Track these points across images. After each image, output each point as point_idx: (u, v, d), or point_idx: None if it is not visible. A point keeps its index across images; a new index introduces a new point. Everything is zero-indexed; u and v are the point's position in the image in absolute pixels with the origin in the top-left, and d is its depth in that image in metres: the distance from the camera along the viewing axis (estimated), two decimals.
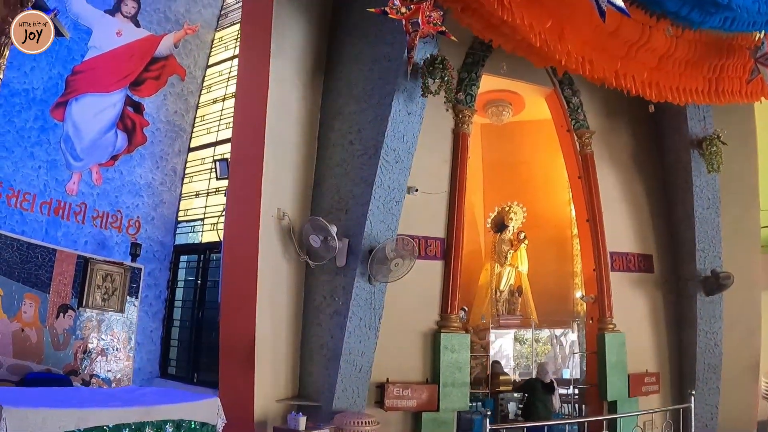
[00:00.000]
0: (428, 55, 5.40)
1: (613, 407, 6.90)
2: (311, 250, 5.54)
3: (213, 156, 6.48)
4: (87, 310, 5.27)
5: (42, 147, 5.96)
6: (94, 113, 6.26)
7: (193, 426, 3.50)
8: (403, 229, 6.17)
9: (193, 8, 6.93)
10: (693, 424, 6.08)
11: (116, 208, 6.36)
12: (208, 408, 3.76)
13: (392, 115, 5.58)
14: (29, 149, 5.86)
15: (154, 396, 3.68)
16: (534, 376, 6.76)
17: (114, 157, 6.43)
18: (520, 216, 7.88)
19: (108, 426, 2.91)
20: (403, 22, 4.79)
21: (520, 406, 6.70)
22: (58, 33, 5.03)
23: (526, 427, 5.72)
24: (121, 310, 5.52)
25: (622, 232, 7.49)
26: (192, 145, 6.98)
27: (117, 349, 5.51)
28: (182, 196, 6.98)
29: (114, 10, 6.57)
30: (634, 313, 7.35)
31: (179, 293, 6.60)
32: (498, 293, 7.64)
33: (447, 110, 5.65)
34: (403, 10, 4.76)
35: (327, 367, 5.48)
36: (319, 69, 6.20)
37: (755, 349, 7.49)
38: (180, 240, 6.79)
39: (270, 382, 5.33)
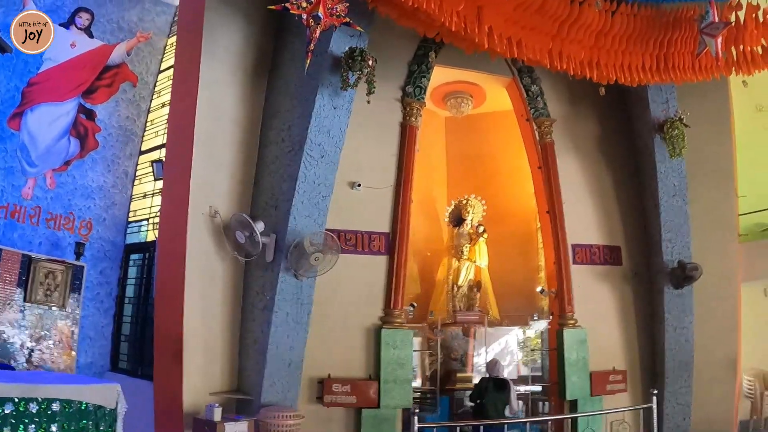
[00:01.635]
0: (347, 48, 5.92)
1: (575, 406, 7.15)
2: (239, 246, 6.14)
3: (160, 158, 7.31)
4: (30, 304, 6.24)
5: None
6: (49, 122, 7.29)
7: (84, 407, 4.19)
8: (346, 224, 6.85)
9: (146, 16, 7.89)
10: (655, 424, 6.31)
11: (69, 211, 7.37)
12: (104, 392, 4.45)
13: (316, 110, 6.12)
14: None
15: (53, 378, 4.48)
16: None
17: (67, 163, 7.45)
18: (479, 209, 8.38)
19: None
20: (303, 17, 5.30)
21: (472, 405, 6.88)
22: (2, 49, 5.96)
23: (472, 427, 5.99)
24: (63, 306, 6.45)
25: (586, 223, 7.83)
26: (143, 149, 7.94)
27: (59, 342, 6.45)
28: (132, 197, 7.93)
29: (68, 23, 7.62)
30: (599, 308, 7.67)
31: (129, 290, 7.56)
32: (456, 288, 8.13)
33: (368, 102, 6.07)
34: (304, 4, 5.26)
35: (258, 361, 6.07)
36: (263, 70, 6.80)
37: (732, 345, 7.62)
38: (130, 239, 7.77)
39: (202, 375, 5.95)
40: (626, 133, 7.98)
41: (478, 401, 6.54)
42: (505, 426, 6.16)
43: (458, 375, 7.76)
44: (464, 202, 8.29)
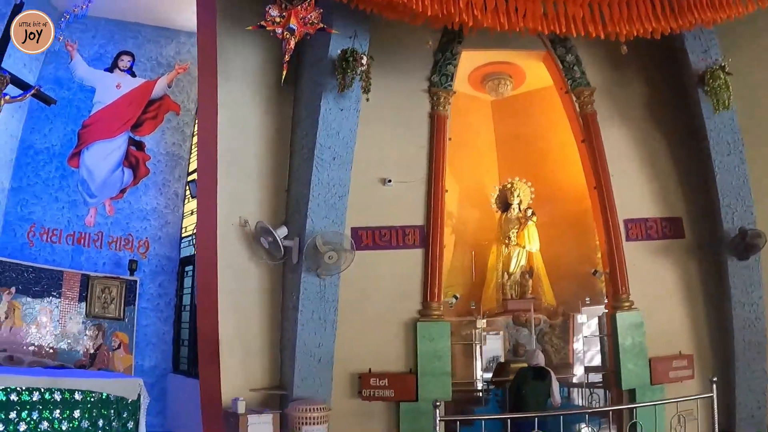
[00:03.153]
0: (339, 51, 6.68)
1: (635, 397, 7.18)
2: (266, 251, 7.06)
3: None
4: (90, 317, 7.80)
5: (63, 191, 8.72)
6: (103, 157, 8.85)
7: (105, 397, 5.35)
8: (380, 220, 7.65)
9: (182, 49, 9.29)
10: (716, 415, 6.13)
11: (128, 233, 8.87)
12: (126, 385, 5.63)
13: (322, 113, 6.94)
14: (54, 194, 8.67)
15: (81, 374, 5.66)
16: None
17: (123, 191, 8.97)
18: (525, 192, 8.72)
19: (21, 387, 4.87)
20: (279, 31, 6.15)
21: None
22: (46, 101, 7.40)
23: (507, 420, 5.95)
24: (120, 317, 7.98)
25: (638, 196, 7.96)
26: (189, 170, 9.29)
27: (117, 348, 7.97)
28: (183, 215, 9.29)
29: (112, 67, 9.20)
30: (659, 288, 7.76)
31: (185, 299, 8.95)
32: (507, 276, 8.49)
33: (367, 100, 6.76)
34: (278, 19, 6.15)
35: (291, 358, 6.94)
36: (288, 83, 7.37)
37: None
38: (184, 253, 9.16)
39: (241, 372, 6.94)
40: (673, 92, 7.97)
41: (518, 393, 6.70)
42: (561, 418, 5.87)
43: (512, 366, 8.04)
44: (509, 186, 8.65)
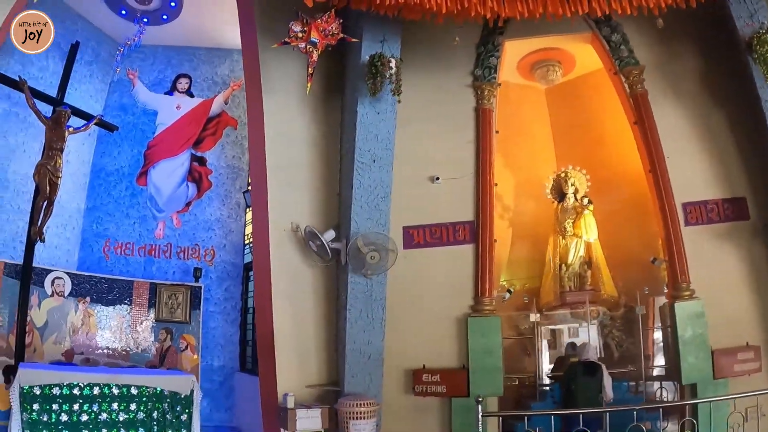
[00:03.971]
0: (367, 57, 7.10)
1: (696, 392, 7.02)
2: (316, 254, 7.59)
3: None
4: (159, 322, 8.77)
5: (134, 208, 9.83)
6: (168, 174, 9.86)
7: (159, 391, 6.09)
8: (430, 218, 8.02)
9: (236, 67, 10.10)
10: None
11: (194, 243, 9.82)
12: (179, 382, 6.42)
13: (360, 118, 7.36)
14: (125, 211, 9.80)
15: (135, 371, 6.43)
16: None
17: (188, 204, 9.95)
18: (581, 180, 8.77)
19: (81, 383, 5.69)
20: (302, 46, 6.65)
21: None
22: (109, 128, 8.32)
23: (557, 416, 5.94)
24: (187, 320, 8.88)
25: (697, 177, 7.76)
26: (249, 181, 9.98)
27: (185, 349, 8.82)
28: (246, 223, 10.10)
29: (171, 90, 10.23)
30: (722, 274, 7.51)
31: (249, 302, 9.73)
32: (565, 268, 8.55)
33: (399, 102, 7.15)
34: (300, 35, 6.66)
35: (342, 356, 7.37)
36: (332, 90, 8.05)
37: None
38: (247, 259, 9.97)
39: (297, 369, 7.43)
40: (726, 63, 7.71)
41: (568, 389, 6.77)
42: (606, 415, 5.74)
43: (571, 360, 8.09)
44: (563, 174, 8.71)
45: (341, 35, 6.78)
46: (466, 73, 8.11)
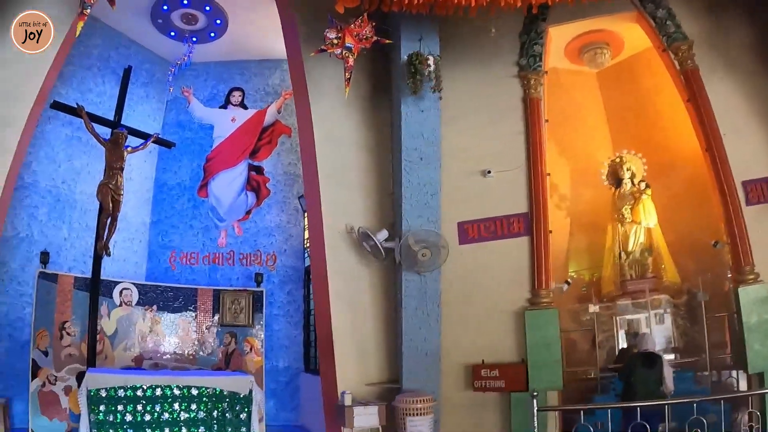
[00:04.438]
0: (405, 57, 7.28)
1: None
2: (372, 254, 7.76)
3: None
4: (223, 326, 9.27)
5: (197, 219, 10.42)
6: (227, 184, 10.34)
7: (218, 392, 6.50)
8: (483, 212, 8.08)
9: (286, 76, 10.38)
10: None
11: (256, 249, 10.27)
12: (237, 382, 6.80)
13: (404, 117, 7.55)
14: (188, 222, 10.41)
15: (196, 372, 6.83)
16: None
17: (248, 212, 10.41)
18: (637, 164, 8.55)
19: (144, 385, 6.13)
20: (339, 52, 6.87)
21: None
22: (166, 144, 8.85)
23: (615, 410, 5.92)
24: (250, 324, 9.34)
25: (756, 153, 7.45)
26: (304, 185, 10.19)
27: (249, 351, 9.28)
28: (305, 227, 10.38)
29: (225, 104, 10.72)
30: None
31: (312, 304, 9.82)
32: (625, 256, 8.35)
33: (440, 99, 7.25)
34: (335, 41, 6.88)
35: (400, 353, 7.52)
36: (380, 92, 8.22)
37: None
38: (308, 262, 10.28)
39: (356, 368, 7.66)
40: None
41: (627, 381, 6.65)
42: (667, 407, 5.59)
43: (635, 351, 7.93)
44: (618, 160, 8.52)
45: (375, 38, 6.95)
46: (511, 63, 8.12)
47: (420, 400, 6.90)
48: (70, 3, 6.11)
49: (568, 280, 8.05)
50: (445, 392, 7.37)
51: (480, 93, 8.05)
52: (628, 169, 8.41)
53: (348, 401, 7.11)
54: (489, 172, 7.91)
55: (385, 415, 7.00)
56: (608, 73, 8.95)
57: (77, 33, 5.89)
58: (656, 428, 5.52)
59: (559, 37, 8.23)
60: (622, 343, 7.89)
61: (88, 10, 5.63)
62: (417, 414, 6.89)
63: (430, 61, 7.24)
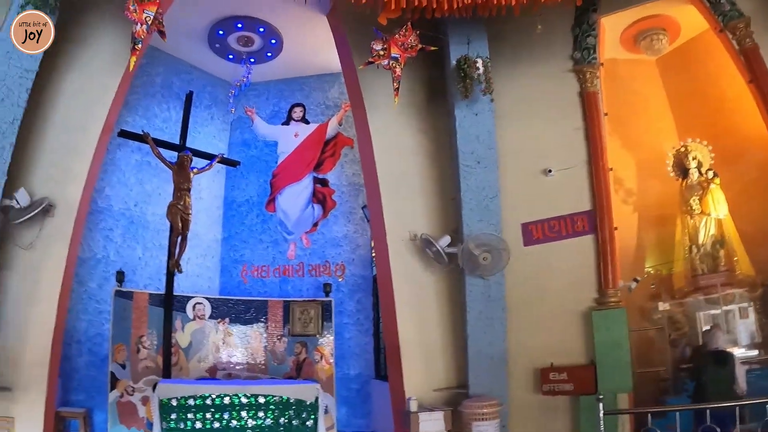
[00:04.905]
0: (454, 61, 7.44)
1: None
2: (436, 260, 7.86)
3: None
4: (294, 336, 9.65)
5: (266, 233, 10.89)
6: (294, 198, 10.76)
7: (285, 400, 6.79)
8: (546, 212, 8.06)
9: (345, 89, 10.39)
10: None
11: (324, 260, 10.63)
12: (303, 390, 7.13)
13: (458, 121, 7.66)
14: (258, 237, 10.89)
15: (265, 382, 7.15)
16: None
17: (315, 224, 10.79)
18: (703, 152, 8.26)
19: (213, 395, 6.50)
20: (386, 63, 7.05)
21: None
22: (232, 163, 9.33)
23: (685, 412, 5.83)
24: (319, 333, 9.68)
25: None
26: (366, 195, 10.42)
27: (320, 360, 9.60)
28: (371, 237, 10.36)
29: (288, 120, 11.18)
30: None
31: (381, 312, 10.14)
32: (695, 250, 8.08)
33: (492, 101, 7.31)
34: (382, 52, 7.06)
35: (465, 358, 7.56)
36: (438, 99, 8.31)
37: None
38: (376, 270, 10.29)
39: (424, 374, 7.74)
40: None
41: (698, 381, 6.54)
42: (737, 409, 5.49)
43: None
44: (682, 149, 8.27)
45: (420, 46, 7.08)
46: (564, 58, 8.07)
47: (486, 405, 6.94)
48: (129, 37, 6.44)
49: (636, 278, 7.84)
50: (513, 396, 7.32)
51: (535, 91, 8.02)
52: (694, 159, 8.14)
53: (414, 407, 7.24)
54: (550, 171, 7.87)
55: (451, 421, 7.07)
56: (668, 59, 8.75)
57: (131, 68, 6.28)
58: (729, 430, 5.35)
59: (612, 26, 8.11)
60: (695, 342, 7.59)
61: (140, 45, 5.99)
62: (483, 419, 6.94)
63: (479, 64, 7.34)
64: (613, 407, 6.78)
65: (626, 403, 7.04)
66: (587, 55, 7.95)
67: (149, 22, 5.99)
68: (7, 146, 6.28)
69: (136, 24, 6.04)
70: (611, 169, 7.78)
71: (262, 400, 6.75)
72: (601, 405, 5.38)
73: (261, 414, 6.65)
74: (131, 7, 5.96)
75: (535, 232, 7.88)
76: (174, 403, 6.36)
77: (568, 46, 8.06)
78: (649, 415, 5.62)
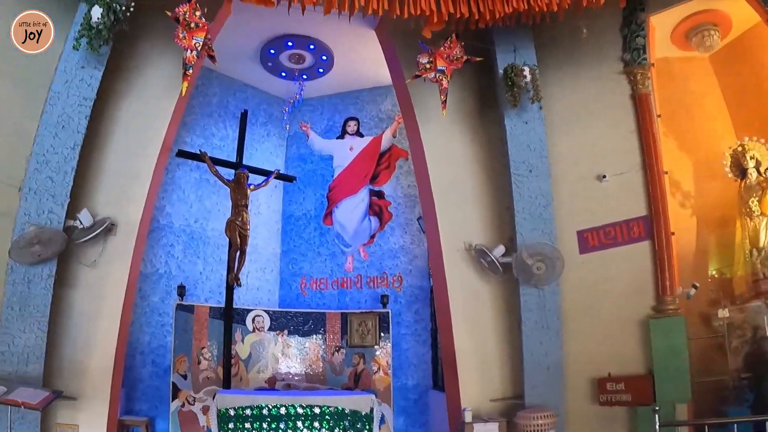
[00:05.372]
0: (501, 70, 7.54)
1: None
2: (491, 270, 7.95)
3: None
4: (351, 347, 9.95)
5: (324, 246, 11.24)
6: (351, 211, 11.07)
7: (340, 410, 7.02)
8: (602, 219, 8.03)
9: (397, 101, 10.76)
10: None
11: (382, 272, 10.86)
12: (358, 401, 7.35)
13: (509, 130, 7.77)
14: (316, 250, 11.25)
15: (321, 392, 7.39)
16: None
17: (372, 236, 11.04)
18: (762, 151, 7.94)
19: (270, 405, 6.80)
20: (432, 75, 7.21)
21: None
22: (288, 179, 9.69)
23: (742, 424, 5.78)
24: (377, 344, 9.95)
25: None
26: (421, 206, 10.58)
27: (378, 370, 9.85)
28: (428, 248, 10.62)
29: (342, 134, 11.52)
30: None
31: None
32: (756, 253, 7.78)
33: (541, 109, 7.39)
34: (428, 65, 7.22)
35: (521, 368, 7.63)
36: (490, 108, 8.38)
37: None
38: None
39: (480, 384, 7.86)
40: None
41: (759, 391, 6.47)
42: None
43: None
44: (739, 149, 7.96)
45: (465, 57, 7.23)
46: (614, 60, 8.03)
47: (541, 416, 6.97)
48: (181, 62, 6.76)
49: (695, 284, 7.63)
50: (569, 407, 7.36)
51: (586, 95, 8.02)
52: (752, 158, 7.84)
53: (468, 418, 7.33)
54: (604, 176, 7.82)
55: (506, 431, 7.17)
56: (721, 55, 8.48)
57: (183, 93, 6.66)
58: None
59: (661, 25, 8.01)
60: (757, 350, 7.26)
61: (190, 71, 6.35)
62: (538, 430, 6.95)
63: (526, 72, 7.43)
64: (672, 418, 6.76)
65: (685, 413, 6.92)
66: (637, 56, 7.89)
67: (199, 48, 6.36)
68: (69, 170, 6.74)
69: (186, 50, 6.41)
70: (666, 173, 7.69)
71: (317, 410, 7.02)
72: (656, 416, 5.34)
73: (317, 424, 6.93)
74: (180, 35, 6.34)
75: (591, 240, 7.84)
76: (232, 412, 6.74)
77: (617, 48, 8.02)
78: (706, 426, 5.60)
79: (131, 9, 6.55)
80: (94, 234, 6.91)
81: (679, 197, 8.25)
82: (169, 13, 6.39)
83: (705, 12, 7.98)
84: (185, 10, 6.38)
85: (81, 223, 6.83)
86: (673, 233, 7.56)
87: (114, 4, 6.38)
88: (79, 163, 6.83)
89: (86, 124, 6.85)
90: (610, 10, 7.51)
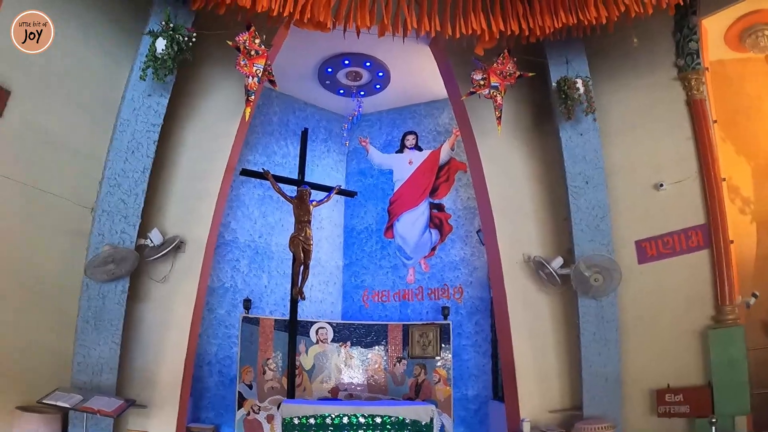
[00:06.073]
0: (554, 83, 7.80)
1: None
2: (549, 281, 8.19)
3: None
4: (412, 358, 10.32)
5: (385, 259, 11.68)
6: (411, 224, 11.46)
7: (401, 420, 7.40)
8: (659, 228, 8.15)
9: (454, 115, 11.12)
10: None
11: (443, 283, 11.18)
12: (418, 411, 7.75)
13: (564, 143, 7.98)
14: (378, 263, 11.71)
15: (382, 402, 7.75)
16: None
17: (433, 249, 11.40)
18: None
19: (332, 414, 7.24)
20: (486, 92, 7.50)
21: None
22: (349, 194, 10.15)
23: None
24: (438, 355, 10.27)
25: None
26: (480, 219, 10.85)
27: (438, 381, 10.16)
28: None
29: (401, 148, 11.94)
30: None
31: None
32: None
33: (595, 120, 7.58)
34: (482, 81, 7.51)
35: (580, 379, 7.81)
36: (546, 122, 8.64)
37: None
38: None
39: (539, 395, 8.10)
40: None
41: None
42: None
43: None
44: None
45: (518, 73, 7.53)
46: (668, 66, 8.14)
47: (599, 427, 7.14)
48: (243, 85, 7.25)
49: (755, 292, 7.65)
50: (627, 418, 7.51)
51: (640, 104, 8.17)
52: None
53: (526, 429, 7.59)
54: (662, 185, 7.94)
55: None
56: None
57: (246, 117, 7.16)
58: None
59: (714, 27, 8.05)
60: None
61: (252, 97, 6.89)
62: None
63: (579, 84, 7.63)
64: (731, 430, 6.86)
65: (745, 425, 7.00)
66: (691, 61, 7.97)
67: (259, 75, 6.88)
68: (140, 192, 7.21)
69: (248, 77, 6.96)
70: (725, 179, 7.74)
71: (378, 420, 7.42)
72: (713, 428, 5.43)
73: None
74: (241, 63, 6.87)
75: (649, 250, 7.96)
76: (296, 421, 7.23)
77: (670, 54, 8.14)
78: None
79: (193, 39, 6.98)
80: (164, 252, 7.40)
81: (739, 203, 8.29)
82: (230, 43, 6.92)
83: (758, 12, 7.99)
84: (245, 38, 6.89)
85: (152, 241, 7.33)
86: (732, 241, 7.59)
87: (177, 36, 6.79)
88: (148, 185, 7.29)
89: (155, 149, 7.32)
90: (661, 16, 7.60)
